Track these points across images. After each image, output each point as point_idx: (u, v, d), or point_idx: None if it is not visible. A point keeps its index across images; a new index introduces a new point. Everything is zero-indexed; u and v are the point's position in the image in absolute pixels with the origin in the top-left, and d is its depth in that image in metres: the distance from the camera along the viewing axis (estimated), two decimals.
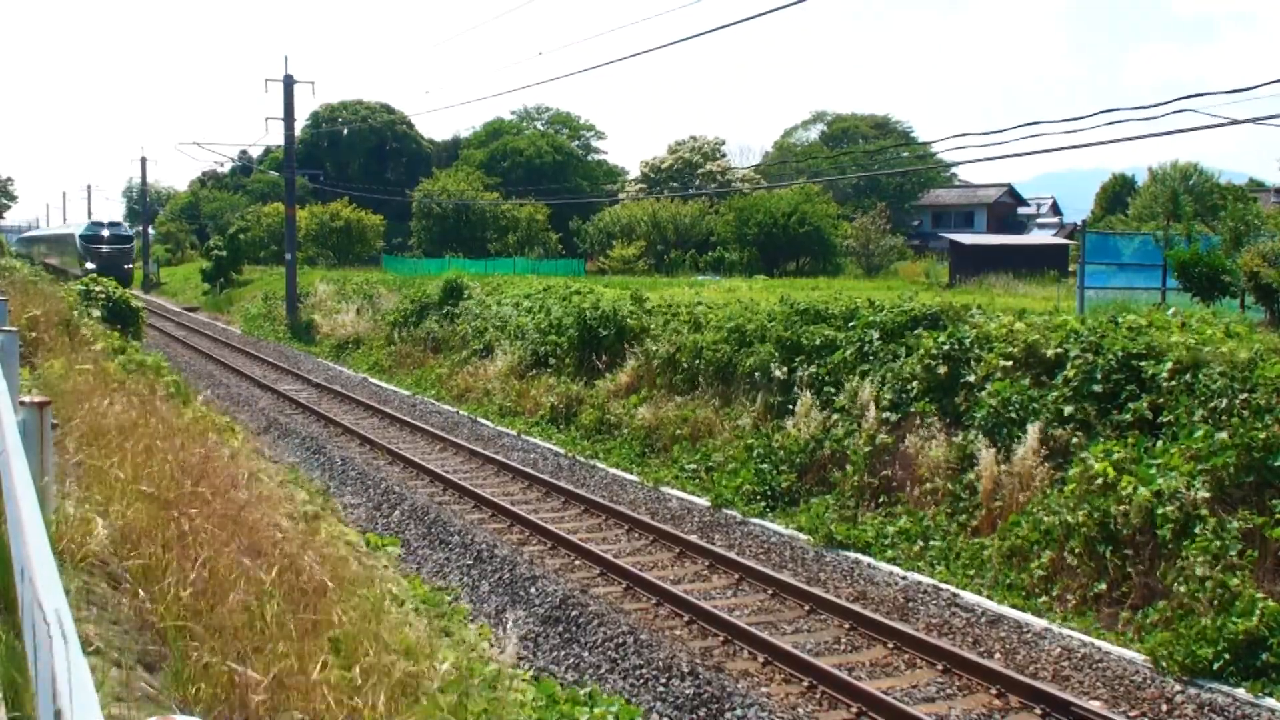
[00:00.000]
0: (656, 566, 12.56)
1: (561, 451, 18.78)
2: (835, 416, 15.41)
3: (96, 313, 20.68)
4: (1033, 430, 12.58)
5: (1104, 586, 10.65)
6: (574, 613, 10.85)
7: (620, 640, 10.12)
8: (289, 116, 41.02)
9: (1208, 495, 10.28)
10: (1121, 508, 10.77)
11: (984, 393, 13.64)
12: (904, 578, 12.00)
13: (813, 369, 16.40)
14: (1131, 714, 8.66)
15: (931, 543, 12.72)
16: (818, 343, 16.75)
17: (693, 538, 13.39)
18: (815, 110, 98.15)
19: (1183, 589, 9.81)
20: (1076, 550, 11.00)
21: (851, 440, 14.74)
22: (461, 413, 22.94)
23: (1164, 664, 9.33)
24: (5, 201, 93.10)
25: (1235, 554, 9.69)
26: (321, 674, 4.49)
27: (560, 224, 61.58)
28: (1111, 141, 15.33)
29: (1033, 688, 8.84)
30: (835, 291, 24.95)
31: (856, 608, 10.83)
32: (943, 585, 11.65)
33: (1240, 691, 8.82)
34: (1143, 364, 12.29)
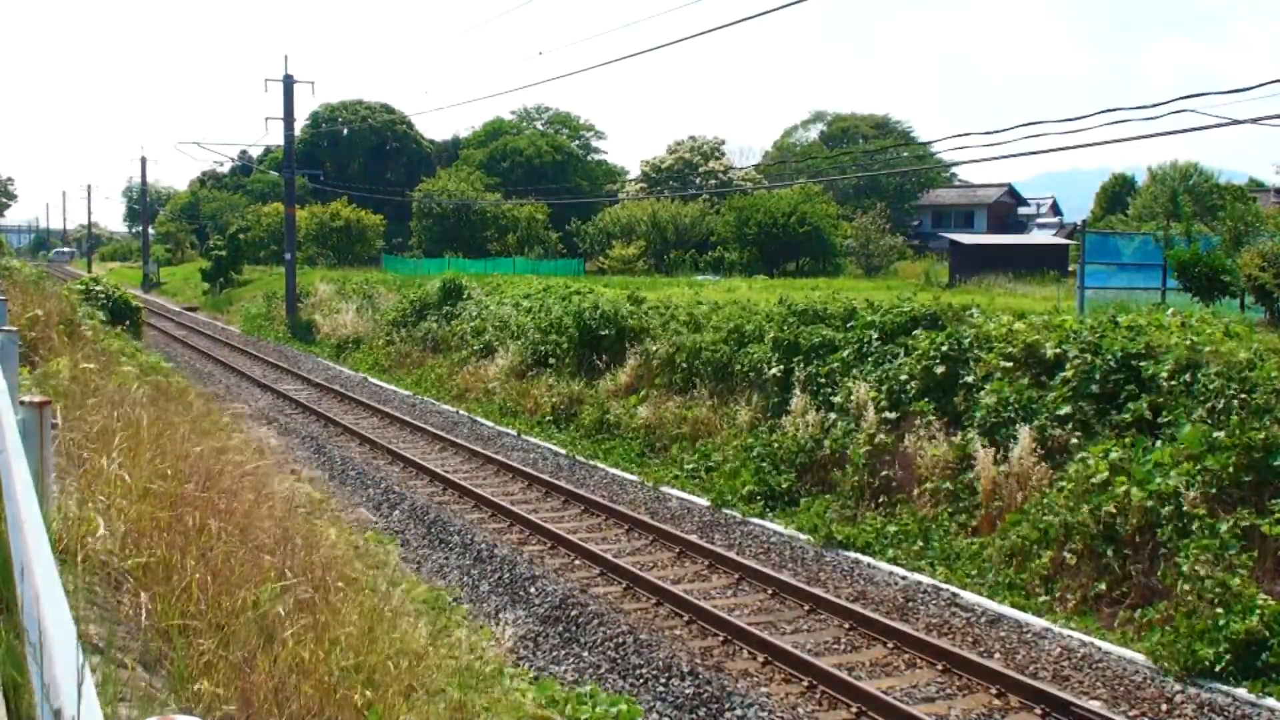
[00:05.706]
0: (656, 566, 12.56)
1: (562, 451, 18.77)
2: (834, 416, 15.41)
3: (98, 313, 20.69)
4: (1025, 431, 12.60)
5: (1104, 586, 10.65)
6: (574, 612, 10.86)
7: (620, 640, 10.12)
8: (289, 116, 41.04)
9: (1204, 494, 10.29)
10: (1117, 507, 10.79)
11: (982, 393, 13.66)
12: (904, 577, 12.00)
13: (810, 369, 16.42)
14: (1131, 714, 8.66)
15: (931, 542, 12.73)
16: (816, 342, 16.76)
17: (692, 537, 13.39)
18: (815, 110, 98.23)
19: (1182, 588, 9.81)
20: (1077, 550, 11.01)
21: (851, 440, 14.73)
22: (461, 412, 22.94)
23: (1164, 664, 9.34)
24: (5, 201, 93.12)
25: (1235, 553, 9.70)
26: (327, 673, 4.49)
27: (560, 224, 61.58)
28: (1112, 141, 15.37)
29: (1032, 687, 8.84)
30: (834, 291, 24.89)
31: (856, 607, 10.82)
32: (942, 585, 11.65)
33: (1241, 691, 8.83)
34: (1142, 364, 12.30)
